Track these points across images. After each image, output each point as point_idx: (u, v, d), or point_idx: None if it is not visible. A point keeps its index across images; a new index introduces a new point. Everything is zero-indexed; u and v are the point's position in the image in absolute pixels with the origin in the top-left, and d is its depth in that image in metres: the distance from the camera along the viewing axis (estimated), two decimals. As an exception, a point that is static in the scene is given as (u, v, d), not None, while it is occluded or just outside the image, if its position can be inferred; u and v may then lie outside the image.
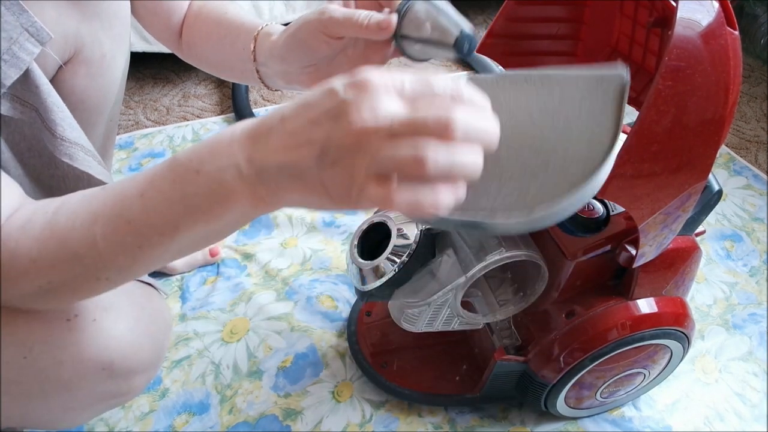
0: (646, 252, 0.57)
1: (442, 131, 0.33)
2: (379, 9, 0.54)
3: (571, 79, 0.39)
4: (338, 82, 0.35)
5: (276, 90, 0.55)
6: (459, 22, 0.51)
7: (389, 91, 0.34)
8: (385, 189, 0.33)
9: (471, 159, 0.34)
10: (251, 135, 0.37)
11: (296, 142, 0.35)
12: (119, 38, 0.66)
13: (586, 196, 0.37)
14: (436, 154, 0.33)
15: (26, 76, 0.54)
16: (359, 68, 0.35)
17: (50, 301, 0.47)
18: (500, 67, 0.49)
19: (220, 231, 0.40)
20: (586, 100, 0.38)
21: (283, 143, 0.35)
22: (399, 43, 0.54)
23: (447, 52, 0.51)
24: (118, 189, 0.41)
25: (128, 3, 0.67)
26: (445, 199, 0.34)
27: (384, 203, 0.33)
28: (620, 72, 0.37)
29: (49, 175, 0.61)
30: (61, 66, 0.61)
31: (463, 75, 0.43)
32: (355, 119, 0.33)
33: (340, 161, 0.34)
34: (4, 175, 0.46)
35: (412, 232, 0.61)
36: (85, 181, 0.60)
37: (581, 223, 0.60)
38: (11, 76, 0.52)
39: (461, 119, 0.33)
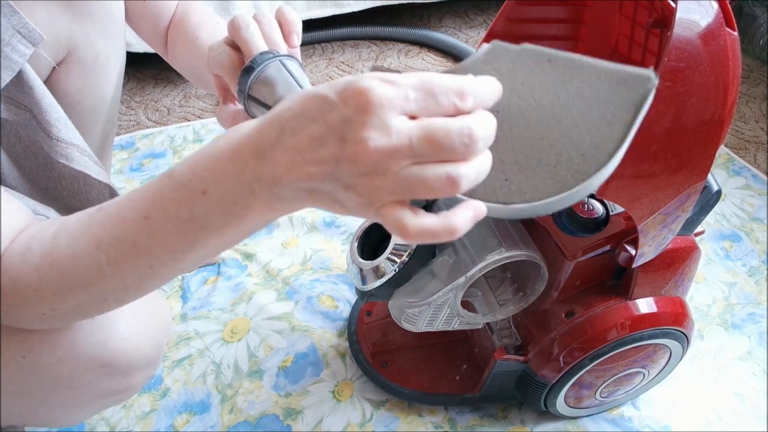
0: (646, 252, 0.57)
1: (466, 148, 0.31)
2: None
3: (596, 71, 0.36)
4: (330, 90, 0.32)
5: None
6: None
7: (393, 104, 0.31)
8: (406, 216, 0.32)
9: (486, 167, 0.33)
10: (254, 150, 0.34)
11: (303, 160, 0.33)
12: (113, 38, 0.66)
13: (571, 200, 0.35)
14: (468, 172, 0.32)
15: (19, 78, 0.54)
16: (356, 75, 0.32)
17: (54, 324, 0.47)
18: None
19: (234, 240, 0.39)
20: (603, 99, 0.35)
21: (290, 160, 0.33)
22: (245, 101, 0.53)
23: None
24: (114, 211, 0.40)
25: (122, 3, 0.67)
26: (466, 221, 0.33)
27: (403, 231, 0.32)
28: (649, 75, 0.34)
29: (45, 177, 0.61)
30: (54, 67, 0.61)
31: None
32: (367, 141, 0.31)
33: (354, 185, 0.32)
34: (8, 196, 0.45)
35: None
36: (81, 181, 0.60)
37: (581, 223, 0.60)
38: (4, 78, 0.52)
39: (482, 131, 0.32)
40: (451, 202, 0.35)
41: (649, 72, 0.35)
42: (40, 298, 0.41)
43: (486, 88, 0.34)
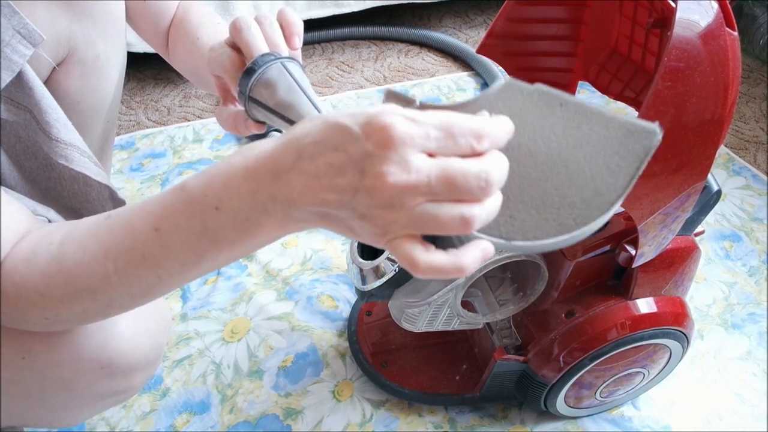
0: (646, 252, 0.57)
1: (481, 191, 0.32)
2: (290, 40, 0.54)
3: (604, 120, 0.37)
4: (352, 122, 0.33)
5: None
6: (313, 105, 0.49)
7: (414, 142, 0.32)
8: (417, 251, 0.33)
9: (497, 207, 0.34)
10: (271, 171, 0.35)
11: (320, 185, 0.33)
12: (114, 39, 0.66)
13: (571, 242, 0.37)
14: (480, 213, 0.33)
15: (19, 78, 0.54)
16: (377, 108, 0.33)
17: (57, 327, 0.47)
18: (501, 67, 0.48)
19: (243, 254, 0.40)
20: (609, 148, 0.37)
21: (306, 184, 0.33)
22: (245, 103, 0.53)
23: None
24: (124, 221, 0.40)
25: (122, 3, 0.67)
26: (475, 261, 0.34)
27: (413, 266, 0.33)
28: (655, 129, 0.36)
29: (45, 177, 0.61)
30: (54, 67, 0.61)
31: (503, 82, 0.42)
32: (386, 176, 0.32)
33: (370, 216, 0.33)
34: (9, 198, 0.45)
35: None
36: (81, 182, 0.60)
37: (581, 223, 0.60)
38: (4, 78, 0.52)
39: (497, 175, 0.33)
40: (463, 237, 0.36)
41: (655, 126, 0.36)
42: (45, 303, 0.42)
43: (501, 130, 0.35)
